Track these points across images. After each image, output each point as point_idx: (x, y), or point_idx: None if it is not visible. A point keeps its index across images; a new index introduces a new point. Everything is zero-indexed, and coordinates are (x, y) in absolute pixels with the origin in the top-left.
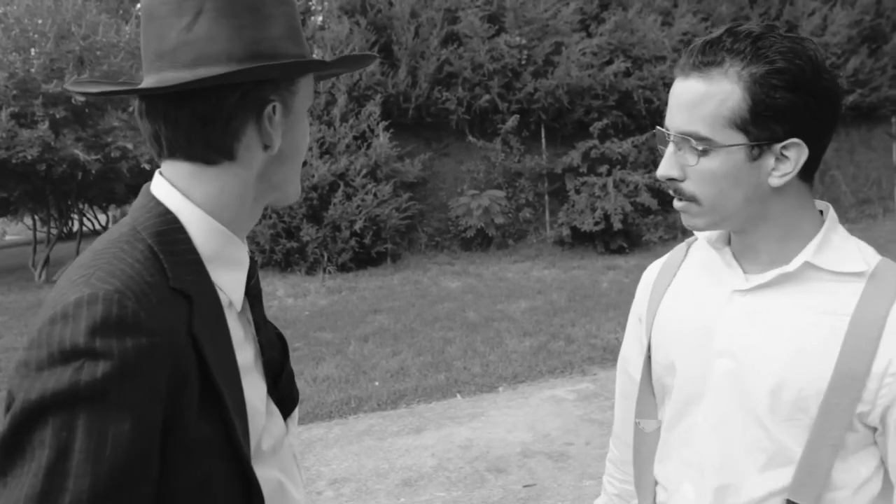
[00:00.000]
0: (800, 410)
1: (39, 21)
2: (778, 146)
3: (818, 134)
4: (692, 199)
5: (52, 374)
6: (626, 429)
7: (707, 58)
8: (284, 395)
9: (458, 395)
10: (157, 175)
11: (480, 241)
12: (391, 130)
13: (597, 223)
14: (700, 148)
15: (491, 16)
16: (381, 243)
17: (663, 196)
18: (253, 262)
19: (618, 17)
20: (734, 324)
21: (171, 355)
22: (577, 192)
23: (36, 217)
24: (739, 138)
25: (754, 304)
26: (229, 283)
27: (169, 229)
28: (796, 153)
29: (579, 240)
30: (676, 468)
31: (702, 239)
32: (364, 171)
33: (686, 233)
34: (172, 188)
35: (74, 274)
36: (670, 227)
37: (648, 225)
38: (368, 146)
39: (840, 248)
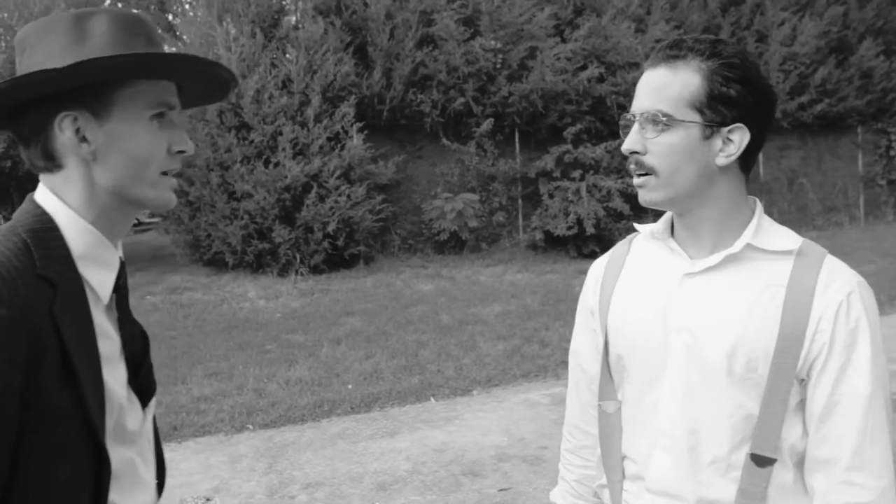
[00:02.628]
0: (751, 370)
1: (5, 14)
2: (725, 130)
3: (758, 124)
4: (651, 171)
5: None
6: (583, 417)
7: (673, 52)
8: (143, 386)
9: (432, 399)
10: (40, 184)
11: (454, 245)
12: (365, 132)
13: (570, 228)
14: (663, 122)
15: (466, 19)
16: (354, 245)
17: (636, 201)
18: (122, 264)
19: (592, 24)
20: (687, 303)
21: (29, 329)
22: (551, 196)
23: (0, 214)
24: (696, 117)
25: (703, 284)
26: (98, 279)
27: (43, 227)
28: (740, 137)
29: (552, 244)
30: (647, 439)
31: (644, 233)
32: (337, 173)
33: None
34: (50, 193)
35: None
36: None
37: (621, 230)
38: (342, 147)
39: (772, 232)
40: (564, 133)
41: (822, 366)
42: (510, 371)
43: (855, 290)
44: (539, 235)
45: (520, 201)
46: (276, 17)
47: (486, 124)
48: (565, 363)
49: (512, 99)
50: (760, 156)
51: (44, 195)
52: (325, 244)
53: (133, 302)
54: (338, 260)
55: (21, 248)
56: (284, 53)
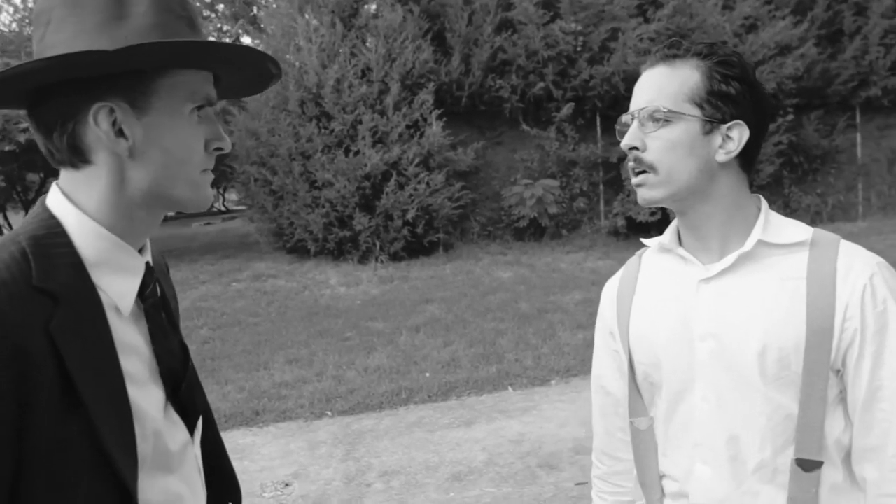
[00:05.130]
0: (784, 368)
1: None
2: (724, 126)
3: (756, 124)
4: (651, 167)
5: None
6: (611, 442)
7: (672, 51)
8: (187, 405)
9: (510, 388)
10: (52, 186)
11: (533, 231)
12: (444, 119)
13: (653, 213)
14: (663, 116)
15: (546, 2)
16: (434, 232)
17: None
18: (149, 269)
19: (676, 2)
20: (707, 309)
21: (16, 351)
22: None
23: None
24: (696, 112)
25: (720, 287)
26: (115, 287)
27: (48, 233)
28: (739, 133)
29: (634, 230)
30: (685, 454)
31: (652, 247)
32: (417, 160)
33: None
34: (61, 195)
35: None
36: None
37: None
38: (421, 135)
39: (781, 225)
40: None
41: (858, 353)
42: (590, 361)
43: (876, 271)
44: (621, 222)
45: (601, 187)
46: (355, 6)
47: (567, 109)
48: None
49: (593, 82)
50: (858, 136)
51: (54, 198)
52: (405, 231)
53: (219, 289)
54: (417, 247)
55: (17, 257)
56: (364, 42)
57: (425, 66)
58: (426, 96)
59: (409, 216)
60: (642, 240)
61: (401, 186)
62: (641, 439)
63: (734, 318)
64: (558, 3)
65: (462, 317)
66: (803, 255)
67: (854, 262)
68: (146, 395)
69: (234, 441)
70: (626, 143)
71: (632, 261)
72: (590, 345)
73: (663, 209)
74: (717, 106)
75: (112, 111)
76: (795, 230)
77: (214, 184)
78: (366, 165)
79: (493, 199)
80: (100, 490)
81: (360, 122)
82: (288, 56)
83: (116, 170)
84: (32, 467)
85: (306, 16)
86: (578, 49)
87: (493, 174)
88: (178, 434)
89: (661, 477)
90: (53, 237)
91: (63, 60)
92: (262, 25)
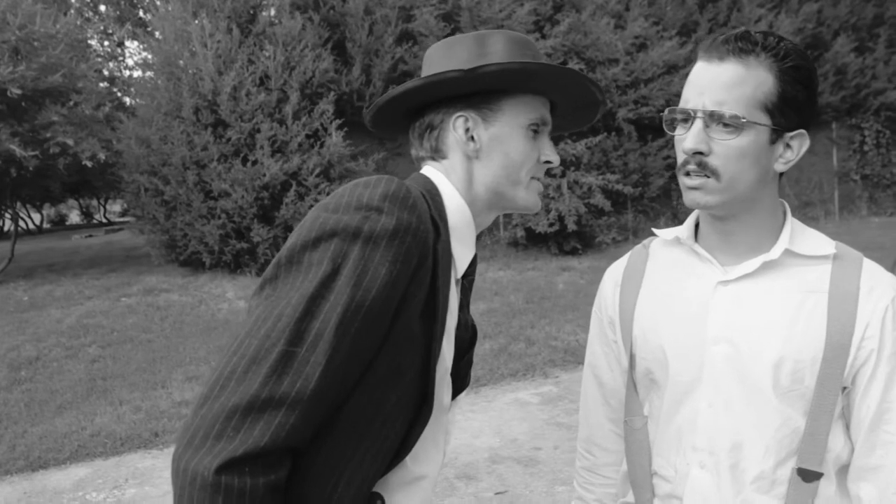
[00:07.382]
0: (797, 382)
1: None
2: (788, 135)
3: (810, 130)
4: (714, 173)
5: (345, 214)
6: (601, 433)
7: (745, 45)
8: (460, 376)
9: None
10: (425, 165)
11: None
12: (345, 129)
13: (551, 224)
14: (736, 124)
15: (446, 14)
16: None
17: (616, 198)
18: (474, 257)
19: (571, 20)
20: (725, 312)
21: (423, 248)
22: None
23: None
24: (766, 120)
25: (740, 291)
26: (458, 254)
27: (432, 190)
28: (799, 143)
29: (533, 241)
30: (682, 457)
31: (665, 238)
32: (317, 171)
33: (637, 235)
34: (437, 171)
35: None
36: (622, 229)
37: (602, 226)
38: (321, 145)
39: (806, 235)
40: None
41: (871, 373)
42: (498, 370)
43: None
44: (520, 232)
45: None
46: (252, 12)
47: None
48: (553, 362)
49: None
50: None
51: (431, 171)
52: None
53: (107, 304)
54: None
55: (423, 194)
56: (262, 49)
57: (325, 75)
58: (326, 106)
59: None
60: (654, 230)
61: (300, 197)
62: (635, 437)
63: (752, 325)
64: (458, 16)
65: None
66: (825, 268)
67: (877, 282)
68: (448, 348)
69: (133, 465)
70: (691, 146)
71: (637, 249)
72: (496, 355)
73: (561, 220)
74: (786, 113)
75: (467, 120)
76: (821, 242)
77: (96, 194)
78: (264, 175)
79: None
80: (412, 391)
81: (259, 131)
82: (181, 62)
83: (466, 168)
84: (385, 346)
85: (200, 20)
86: None
87: None
88: (446, 395)
89: (653, 475)
90: (434, 194)
91: (437, 77)
92: (149, 29)
